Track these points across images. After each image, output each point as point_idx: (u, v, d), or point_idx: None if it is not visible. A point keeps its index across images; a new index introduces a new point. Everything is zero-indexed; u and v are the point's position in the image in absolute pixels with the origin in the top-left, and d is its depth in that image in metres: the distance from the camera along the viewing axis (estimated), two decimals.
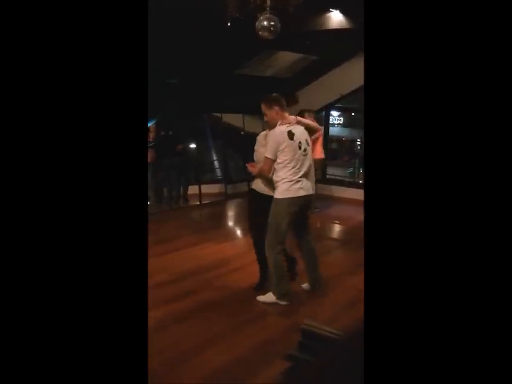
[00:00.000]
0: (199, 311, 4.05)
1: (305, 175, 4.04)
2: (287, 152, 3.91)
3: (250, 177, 10.76)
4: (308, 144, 4.05)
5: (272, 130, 4.00)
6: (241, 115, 10.49)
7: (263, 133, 4.24)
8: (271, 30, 5.47)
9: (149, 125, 8.79)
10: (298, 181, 3.98)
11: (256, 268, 4.48)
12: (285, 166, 3.94)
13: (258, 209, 4.23)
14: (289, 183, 3.95)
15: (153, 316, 3.92)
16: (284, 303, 4.16)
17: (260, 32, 5.53)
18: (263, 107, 4.09)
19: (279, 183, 3.97)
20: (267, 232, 4.06)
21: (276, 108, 4.02)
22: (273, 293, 4.18)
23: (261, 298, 4.24)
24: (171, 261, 5.40)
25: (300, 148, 3.96)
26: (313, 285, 4.48)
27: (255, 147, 4.39)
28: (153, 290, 4.47)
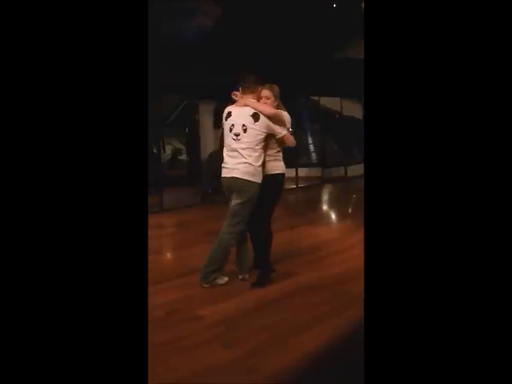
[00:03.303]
0: (299, 293, 4.06)
1: (230, 158, 4.01)
2: (224, 131, 4.08)
3: (346, 162, 10.73)
4: (244, 130, 3.93)
5: None
6: (339, 99, 10.37)
7: None
8: None
9: None
10: (223, 159, 4.07)
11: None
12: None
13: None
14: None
15: (256, 295, 3.99)
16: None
17: None
18: None
19: None
20: None
21: (240, 89, 4.12)
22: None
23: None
24: None
25: (230, 130, 3.98)
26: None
27: None
28: (253, 271, 4.54)
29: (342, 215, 7.11)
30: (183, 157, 11.39)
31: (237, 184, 3.99)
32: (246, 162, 3.95)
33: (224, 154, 4.06)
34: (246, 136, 3.93)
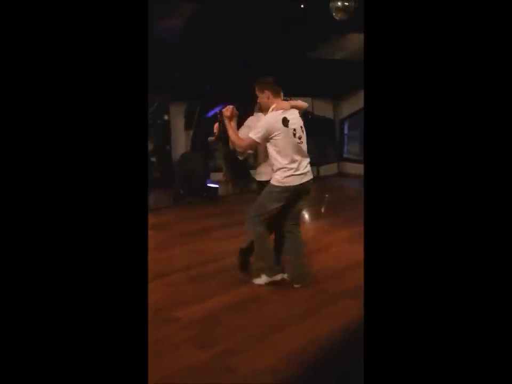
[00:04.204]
0: (277, 292, 4.08)
1: (300, 163, 3.95)
2: (282, 139, 3.85)
3: (318, 162, 10.78)
4: (302, 131, 3.96)
5: (266, 115, 3.91)
6: (310, 99, 10.39)
7: (254, 116, 4.17)
8: (345, 10, 5.37)
9: (218, 109, 8.84)
10: (292, 169, 3.91)
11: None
12: (279, 153, 3.88)
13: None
14: (285, 172, 3.89)
15: (232, 295, 3.99)
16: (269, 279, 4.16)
17: (334, 13, 5.44)
18: (256, 90, 3.99)
19: (277, 171, 3.92)
20: (253, 208, 4.06)
21: (268, 92, 3.93)
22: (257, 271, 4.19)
23: (257, 281, 4.20)
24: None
25: (294, 135, 3.90)
26: (294, 278, 4.21)
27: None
28: (229, 271, 4.54)
29: (315, 215, 7.13)
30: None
31: (309, 186, 4.07)
32: (309, 163, 4.04)
33: (286, 164, 3.89)
34: (304, 137, 3.98)
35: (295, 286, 4.14)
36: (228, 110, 3.97)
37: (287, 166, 3.88)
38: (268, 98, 3.94)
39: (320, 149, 11.03)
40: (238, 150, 4.03)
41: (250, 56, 7.34)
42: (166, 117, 9.07)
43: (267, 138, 3.83)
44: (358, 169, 9.57)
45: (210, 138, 8.73)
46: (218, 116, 9.05)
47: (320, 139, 11.02)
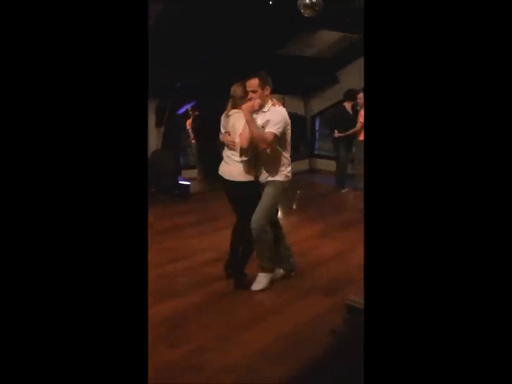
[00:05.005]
0: (247, 290, 4.08)
1: None
2: (288, 134, 3.91)
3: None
4: None
5: (278, 109, 3.81)
6: (281, 95, 10.41)
7: (237, 111, 3.88)
8: (313, 7, 5.40)
9: (188, 107, 8.83)
10: (290, 162, 4.03)
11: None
12: (285, 148, 3.93)
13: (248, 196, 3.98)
14: (289, 165, 3.97)
15: (201, 292, 3.99)
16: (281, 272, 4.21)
17: (302, 10, 5.46)
18: (256, 83, 3.72)
19: (282, 166, 3.91)
20: (258, 214, 3.84)
21: (269, 88, 3.79)
22: (266, 271, 4.07)
23: (258, 286, 4.05)
24: (216, 240, 5.44)
25: None
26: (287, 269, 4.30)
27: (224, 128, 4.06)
28: (200, 268, 4.55)
29: (287, 211, 7.16)
30: None
31: None
32: None
33: (289, 157, 3.99)
34: None
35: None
36: (254, 105, 3.71)
37: (290, 159, 3.98)
38: (267, 94, 3.81)
39: (291, 145, 11.05)
40: (263, 146, 3.73)
41: (220, 54, 7.33)
42: None
43: (283, 133, 3.81)
44: (329, 165, 9.60)
45: (192, 141, 8.69)
46: (190, 112, 9.02)
47: (293, 135, 11.03)
